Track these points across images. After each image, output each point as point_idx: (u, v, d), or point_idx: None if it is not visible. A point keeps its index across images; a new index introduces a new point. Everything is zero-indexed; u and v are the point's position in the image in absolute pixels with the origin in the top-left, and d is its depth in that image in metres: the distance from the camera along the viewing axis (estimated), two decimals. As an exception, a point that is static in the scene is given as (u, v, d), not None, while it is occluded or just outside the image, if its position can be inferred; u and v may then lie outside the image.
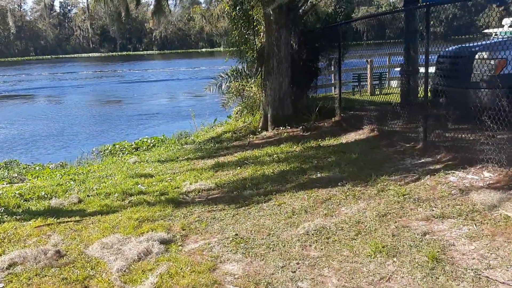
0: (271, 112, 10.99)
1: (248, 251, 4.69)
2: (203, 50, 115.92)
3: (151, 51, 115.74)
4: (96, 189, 7.61)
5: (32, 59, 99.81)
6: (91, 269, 4.56)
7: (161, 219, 5.89)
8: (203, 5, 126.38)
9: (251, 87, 12.26)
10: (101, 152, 13.54)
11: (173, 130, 16.60)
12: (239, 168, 8.00)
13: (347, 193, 5.85)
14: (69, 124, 20.40)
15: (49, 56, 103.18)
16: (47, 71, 61.84)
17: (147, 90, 33.86)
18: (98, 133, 17.98)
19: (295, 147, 8.92)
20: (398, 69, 16.22)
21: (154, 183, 7.69)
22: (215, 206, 6.16)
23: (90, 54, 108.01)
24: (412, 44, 12.17)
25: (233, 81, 13.06)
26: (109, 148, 13.46)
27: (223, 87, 13.35)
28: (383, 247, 4.32)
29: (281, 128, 10.80)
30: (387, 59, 18.93)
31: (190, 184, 7.35)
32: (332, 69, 13.04)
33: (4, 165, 11.83)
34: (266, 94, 11.07)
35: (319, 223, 5.06)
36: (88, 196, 7.21)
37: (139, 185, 7.52)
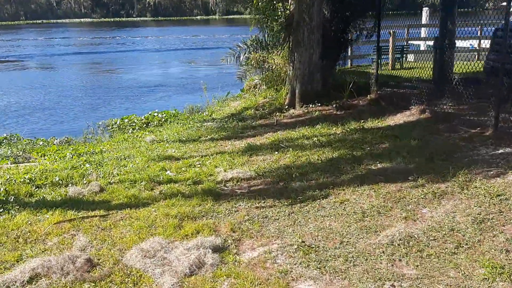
0: (300, 88, 10.03)
1: (323, 265, 3.86)
2: (198, 17, 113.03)
3: (144, 18, 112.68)
4: (117, 174, 6.70)
5: (22, 23, 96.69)
6: (134, 287, 3.72)
7: (203, 216, 5.03)
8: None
9: (273, 59, 11.24)
10: (108, 126, 12.54)
11: (180, 103, 15.56)
12: (276, 152, 7.10)
13: (424, 191, 5.00)
14: (64, 96, 18.92)
15: (39, 21, 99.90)
16: (38, 36, 59.68)
17: (145, 60, 32.41)
18: (95, 106, 16.61)
19: (334, 128, 8.03)
20: (430, 42, 15.28)
21: (182, 168, 6.79)
22: (262, 201, 5.30)
23: (82, 20, 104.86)
24: (449, 14, 11.21)
25: (252, 52, 12.01)
26: (117, 123, 12.46)
27: (241, 58, 12.29)
28: (501, 268, 3.49)
29: (311, 105, 9.88)
30: (406, 31, 17.96)
31: (225, 171, 6.47)
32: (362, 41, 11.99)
33: (4, 140, 10.82)
34: (294, 68, 10.08)
35: (403, 230, 4.22)
36: (110, 183, 6.30)
37: (167, 171, 6.61)
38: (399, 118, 8.03)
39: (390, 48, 16.00)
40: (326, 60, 10.42)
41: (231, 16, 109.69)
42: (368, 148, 6.61)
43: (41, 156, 8.98)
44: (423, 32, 19.31)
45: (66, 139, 11.11)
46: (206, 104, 14.37)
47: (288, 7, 10.30)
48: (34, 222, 5.14)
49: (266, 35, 11.79)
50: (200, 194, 5.66)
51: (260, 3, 10.44)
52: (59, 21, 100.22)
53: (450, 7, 11.25)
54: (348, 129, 7.77)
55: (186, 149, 8.06)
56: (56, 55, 36.19)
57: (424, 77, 10.58)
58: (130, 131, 11.69)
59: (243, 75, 13.60)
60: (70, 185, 6.32)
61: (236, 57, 12.38)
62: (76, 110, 16.16)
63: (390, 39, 15.80)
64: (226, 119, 10.23)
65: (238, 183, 6.02)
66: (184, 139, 8.82)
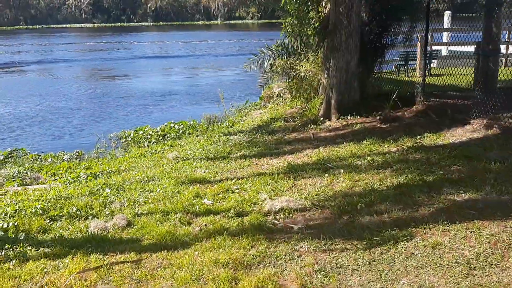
0: (336, 97, 9.08)
1: None
2: (200, 22, 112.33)
3: (145, 23, 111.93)
4: (144, 202, 5.73)
5: (22, 28, 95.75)
6: None
7: (260, 263, 4.08)
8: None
9: (303, 66, 10.29)
10: (121, 139, 11.57)
11: (195, 112, 14.59)
12: (326, 175, 6.13)
13: (540, 234, 4.02)
14: (68, 105, 17.61)
15: (39, 26, 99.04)
16: (38, 41, 58.75)
17: (151, 66, 31.40)
18: (103, 116, 15.26)
19: (387, 146, 7.06)
20: (470, 48, 14.39)
21: (219, 194, 5.82)
22: (329, 242, 4.32)
23: (83, 25, 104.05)
24: (494, 17, 10.30)
25: (278, 58, 11.06)
26: (131, 135, 11.49)
27: (265, 64, 11.33)
28: None
29: (349, 117, 8.92)
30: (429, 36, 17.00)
31: (271, 198, 5.50)
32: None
33: (9, 156, 9.85)
34: (329, 75, 9.13)
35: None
36: (137, 215, 5.33)
37: (204, 199, 5.64)
38: (461, 134, 7.06)
39: (418, 53, 15.04)
40: (362, 66, 9.48)
41: (233, 21, 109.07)
42: (440, 172, 5.63)
43: (51, 176, 8.02)
44: (445, 37, 18.42)
45: (77, 154, 10.15)
46: (223, 113, 13.41)
47: (321, 9, 9.35)
48: (51, 270, 4.19)
49: (293, 40, 10.83)
50: (248, 230, 4.69)
51: (290, 6, 9.48)
52: (59, 26, 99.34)
53: (494, 9, 10.37)
54: (404, 147, 6.80)
55: (217, 168, 7.09)
56: (57, 61, 35.03)
57: (462, 86, 9.69)
58: (146, 144, 10.73)
59: (265, 83, 12.69)
60: (90, 217, 5.35)
61: (259, 63, 11.44)
62: (83, 120, 15.04)
63: (418, 44, 14.84)
64: (254, 132, 9.26)
65: (291, 215, 5.05)
66: (212, 156, 7.85)
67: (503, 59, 15.49)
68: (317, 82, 9.74)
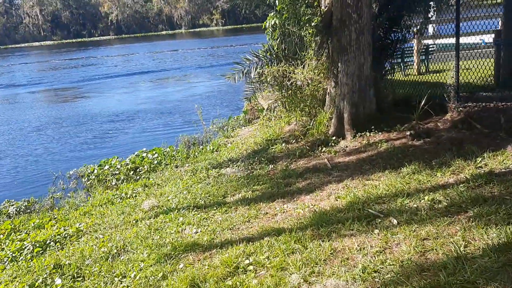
0: (349, 110, 7.27)
1: None
2: (163, 32, 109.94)
3: (107, 36, 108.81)
4: (114, 303, 3.75)
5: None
6: None
7: None
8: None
9: (298, 73, 8.45)
10: (82, 177, 9.48)
11: (170, 135, 12.63)
12: (375, 230, 4.27)
13: None
14: (19, 135, 15.36)
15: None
16: (-5, 63, 55.24)
17: (115, 84, 29.01)
18: (61, 147, 13.08)
19: (439, 175, 5.24)
20: (486, 38, 12.86)
21: (227, 278, 3.89)
22: None
23: (42, 43, 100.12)
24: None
25: (266, 66, 9.19)
26: (94, 171, 9.41)
27: (252, 74, 9.45)
28: None
29: (368, 133, 7.12)
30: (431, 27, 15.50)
31: (308, 283, 3.61)
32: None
33: None
34: (339, 83, 7.32)
35: None
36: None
37: (206, 294, 3.70)
38: (536, 151, 5.32)
39: (415, 49, 13.46)
40: (375, 69, 7.73)
41: (198, 29, 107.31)
42: (553, 220, 3.84)
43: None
44: (431, 29, 16.96)
45: (27, 203, 8.04)
46: (204, 133, 11.48)
47: (318, 2, 7.51)
48: None
49: (282, 43, 8.99)
50: None
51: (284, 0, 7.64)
52: (17, 46, 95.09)
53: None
54: (466, 176, 5.00)
55: (213, 224, 5.15)
56: (13, 85, 32.18)
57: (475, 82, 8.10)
58: (113, 183, 8.69)
59: (252, 95, 10.83)
60: None
61: (245, 72, 9.60)
62: (36, 153, 12.80)
63: (415, 40, 13.24)
64: (250, 161, 7.35)
65: (348, 316, 3.16)
66: (203, 202, 5.90)
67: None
68: (322, 92, 7.91)
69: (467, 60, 7.79)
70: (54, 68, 41.43)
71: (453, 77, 7.07)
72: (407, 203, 4.67)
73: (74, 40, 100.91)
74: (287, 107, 9.26)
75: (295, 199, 5.50)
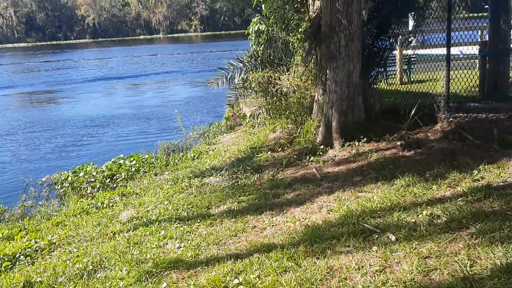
0: (338, 118, 7.04)
1: None
2: (141, 37, 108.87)
3: (83, 40, 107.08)
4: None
5: None
6: None
7: None
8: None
9: (284, 80, 8.21)
10: (55, 184, 9.00)
11: (149, 141, 12.22)
12: (373, 247, 4.00)
13: None
14: None
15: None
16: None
17: (95, 86, 28.33)
18: (33, 152, 12.49)
19: (435, 188, 5.03)
20: (464, 49, 12.96)
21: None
22: None
23: (16, 44, 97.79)
24: (502, 13, 8.77)
25: (251, 71, 8.92)
26: (69, 178, 8.94)
27: (236, 79, 9.16)
28: None
29: (356, 142, 6.91)
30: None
31: (303, 304, 3.31)
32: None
33: None
34: (328, 90, 7.09)
35: None
36: None
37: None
38: (533, 164, 5.17)
39: (398, 58, 13.42)
40: (363, 77, 7.54)
41: (176, 35, 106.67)
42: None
43: None
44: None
45: (-3, 211, 7.54)
46: (184, 140, 11.12)
47: (306, 7, 7.28)
48: None
49: (272, 48, 8.74)
50: None
51: (268, 4, 7.39)
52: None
53: (504, 3, 8.82)
54: (464, 189, 4.80)
55: (198, 238, 4.81)
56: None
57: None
58: (89, 191, 8.26)
59: (236, 101, 10.53)
60: None
61: (228, 78, 9.29)
62: (4, 159, 12.18)
63: (398, 48, 13.19)
64: (235, 169, 7.03)
65: None
66: (185, 214, 5.55)
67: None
68: (310, 99, 7.67)
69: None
70: (29, 71, 40.32)
71: (443, 86, 6.93)
72: (404, 218, 4.43)
73: (49, 43, 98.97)
74: (271, 114, 9.00)
75: (284, 211, 5.21)
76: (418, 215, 4.44)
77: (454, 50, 13.46)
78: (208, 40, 78.18)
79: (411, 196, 4.90)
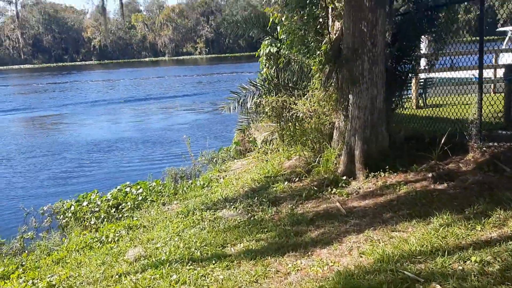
0: (361, 147, 6.57)
1: None
2: (147, 59, 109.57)
3: (89, 62, 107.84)
4: None
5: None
6: None
7: None
8: (144, 12, 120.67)
9: (300, 105, 7.76)
10: (57, 214, 8.50)
11: (155, 168, 11.75)
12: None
13: None
14: None
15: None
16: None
17: (101, 110, 27.99)
18: (35, 179, 11.96)
19: (478, 227, 4.51)
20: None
21: None
22: None
23: (22, 66, 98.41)
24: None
25: (264, 95, 8.49)
26: (71, 208, 8.44)
27: (249, 104, 8.74)
28: None
29: (382, 173, 6.40)
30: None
31: None
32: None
33: None
34: (351, 116, 6.64)
35: None
36: None
37: None
38: None
39: (414, 81, 12.98)
40: (386, 102, 7.08)
41: (181, 57, 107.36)
42: None
43: None
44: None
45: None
46: (192, 166, 10.64)
47: (332, 29, 6.88)
48: None
49: (286, 71, 8.32)
50: None
51: (285, 28, 6.98)
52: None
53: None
54: (514, 231, 4.28)
55: (214, 285, 4.28)
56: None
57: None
58: (92, 222, 7.75)
59: (247, 126, 10.09)
60: None
61: (240, 102, 8.88)
62: (2, 186, 11.64)
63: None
64: (249, 201, 6.52)
65: None
66: (198, 254, 5.02)
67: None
68: (329, 125, 7.21)
69: (463, 95, 7.31)
70: (35, 92, 40.21)
71: (475, 113, 6.45)
72: (450, 264, 3.90)
73: (55, 64, 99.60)
74: (285, 140, 8.53)
75: (309, 252, 4.68)
76: (465, 261, 3.90)
77: (467, 74, 13.02)
78: (213, 62, 78.46)
79: (453, 238, 4.37)
